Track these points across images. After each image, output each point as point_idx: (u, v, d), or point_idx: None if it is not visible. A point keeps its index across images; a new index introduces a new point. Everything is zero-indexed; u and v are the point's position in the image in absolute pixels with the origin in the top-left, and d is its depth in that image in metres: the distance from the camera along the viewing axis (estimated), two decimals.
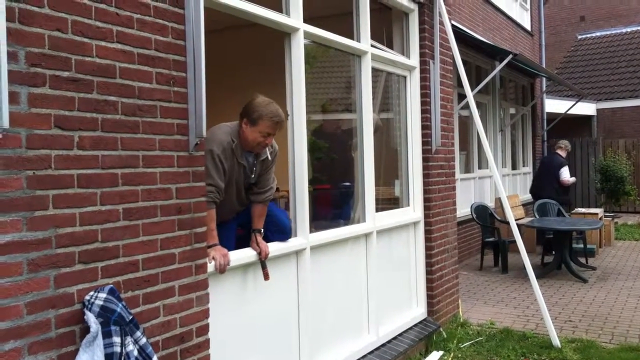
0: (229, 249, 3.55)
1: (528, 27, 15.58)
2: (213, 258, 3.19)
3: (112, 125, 2.60)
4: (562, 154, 10.86)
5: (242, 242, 3.82)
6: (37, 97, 2.29)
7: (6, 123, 2.10)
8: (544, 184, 10.79)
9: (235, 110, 3.97)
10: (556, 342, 5.52)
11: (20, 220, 2.21)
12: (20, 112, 2.23)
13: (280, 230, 3.93)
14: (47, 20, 2.34)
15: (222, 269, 3.21)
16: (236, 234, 3.94)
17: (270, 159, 3.79)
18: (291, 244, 3.95)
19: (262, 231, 3.77)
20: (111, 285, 2.50)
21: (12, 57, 2.20)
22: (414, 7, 5.66)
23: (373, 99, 5.07)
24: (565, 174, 10.60)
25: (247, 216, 3.84)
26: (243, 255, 3.53)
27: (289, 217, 4.07)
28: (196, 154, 3.05)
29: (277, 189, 4.17)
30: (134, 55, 2.73)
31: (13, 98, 2.20)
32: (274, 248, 3.81)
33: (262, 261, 3.62)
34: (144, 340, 2.49)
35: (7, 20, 2.14)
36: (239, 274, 3.52)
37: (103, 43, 2.57)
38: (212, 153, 3.45)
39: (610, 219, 12.17)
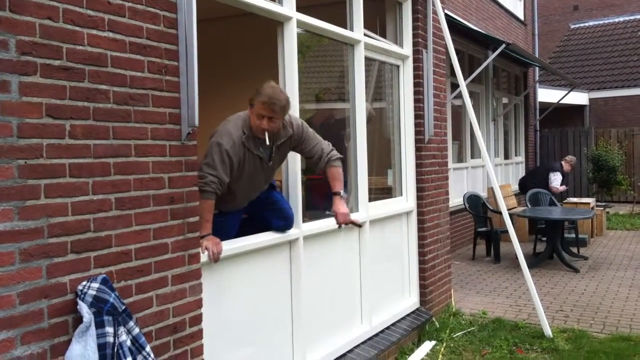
0: (232, 237, 3.57)
1: (521, 16, 15.58)
2: (206, 248, 3.18)
3: (103, 114, 2.58)
4: (565, 165, 10.87)
5: (246, 226, 3.86)
6: (28, 85, 2.27)
7: None
8: (534, 183, 10.80)
9: (229, 100, 3.96)
10: (548, 332, 5.56)
11: (11, 209, 2.20)
12: (11, 101, 2.21)
13: (283, 217, 3.93)
14: (38, 9, 2.31)
15: (215, 259, 3.21)
16: (241, 218, 3.94)
17: (290, 140, 3.74)
18: (284, 233, 3.95)
19: (341, 193, 3.90)
20: (104, 275, 2.49)
21: (2, 45, 2.18)
22: None
23: (366, 88, 5.06)
24: (555, 181, 10.57)
25: (252, 204, 3.84)
26: (237, 245, 3.52)
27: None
28: (188, 143, 3.03)
29: None
30: (126, 43, 2.71)
31: (4, 86, 2.18)
32: (268, 238, 3.81)
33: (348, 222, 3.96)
34: (137, 330, 2.49)
35: None
36: (232, 264, 3.52)
37: (94, 32, 2.55)
38: (220, 147, 3.40)
39: (602, 208, 12.23)
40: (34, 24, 2.30)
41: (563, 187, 10.82)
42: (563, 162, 10.93)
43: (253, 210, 3.90)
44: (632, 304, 6.64)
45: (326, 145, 3.91)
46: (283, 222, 3.94)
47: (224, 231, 3.53)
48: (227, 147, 3.41)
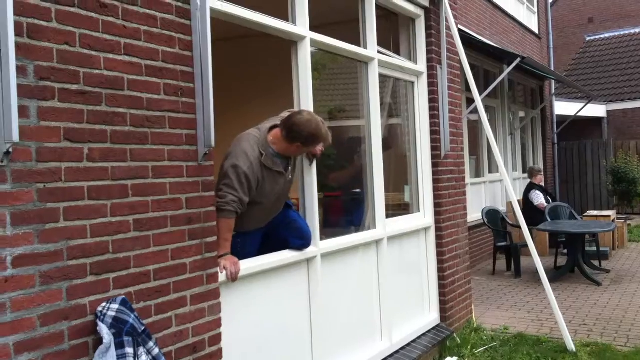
0: (252, 256, 3.57)
1: (536, 29, 15.55)
2: (224, 267, 3.18)
3: (121, 136, 2.61)
4: (535, 180, 10.69)
5: (262, 246, 3.85)
6: (46, 110, 2.31)
7: (16, 137, 2.11)
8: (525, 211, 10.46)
9: (244, 119, 3.99)
10: (571, 346, 5.48)
11: (31, 232, 2.23)
12: (30, 126, 2.25)
13: (300, 236, 3.92)
14: (56, 34, 2.36)
15: (233, 278, 3.22)
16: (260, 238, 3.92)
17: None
18: (302, 251, 3.94)
19: None
20: (123, 296, 2.50)
21: (21, 71, 2.22)
22: (420, 12, 5.67)
23: (381, 104, 5.07)
24: (537, 199, 10.31)
25: (269, 223, 3.84)
26: (255, 264, 3.53)
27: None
28: (205, 163, 3.06)
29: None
30: (142, 66, 2.75)
31: (22, 112, 2.21)
32: (286, 257, 3.81)
33: None
34: (156, 350, 2.50)
35: (16, 34, 2.16)
36: (250, 283, 3.52)
37: (111, 55, 2.59)
38: (238, 169, 3.39)
39: (623, 220, 12.08)
40: (51, 49, 2.34)
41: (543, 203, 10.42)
42: (532, 179, 10.73)
43: (270, 229, 3.89)
44: None
45: None
46: (301, 241, 3.92)
47: (245, 251, 3.55)
48: (244, 169, 3.40)
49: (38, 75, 2.29)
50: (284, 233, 3.91)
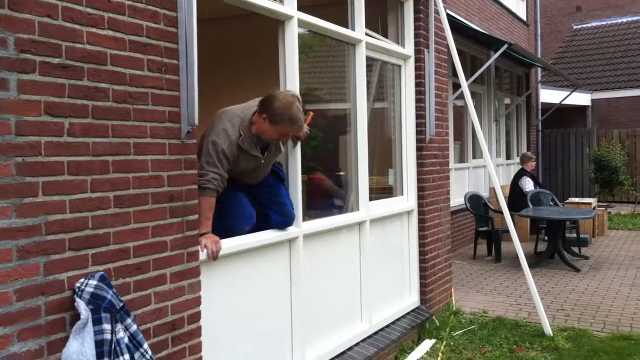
0: (247, 208, 3.67)
1: (524, 17, 15.57)
2: (205, 246, 3.18)
3: (103, 112, 2.59)
4: (526, 167, 10.67)
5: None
6: (26, 83, 2.27)
7: None
8: (512, 199, 10.45)
9: (230, 101, 3.95)
10: (548, 330, 5.55)
11: (9, 207, 2.20)
12: (10, 99, 2.22)
13: (282, 213, 3.89)
14: (37, 6, 2.32)
15: (214, 257, 3.21)
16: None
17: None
18: (284, 232, 3.95)
19: None
20: (102, 273, 2.49)
21: (1, 43, 2.18)
22: None
23: (368, 88, 5.06)
24: (527, 185, 10.31)
25: (256, 191, 3.84)
26: (236, 243, 3.53)
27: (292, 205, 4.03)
28: (188, 141, 3.04)
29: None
30: (126, 42, 2.71)
31: (2, 84, 2.18)
32: (268, 237, 3.81)
33: None
34: (134, 327, 2.50)
35: None
36: (232, 262, 3.52)
37: (94, 30, 2.55)
38: (217, 146, 3.40)
39: (604, 208, 12.22)
40: (33, 21, 2.30)
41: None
42: (524, 165, 10.77)
43: (256, 198, 3.86)
44: (633, 303, 6.63)
45: None
46: (282, 218, 3.91)
47: (236, 204, 3.64)
48: (224, 147, 3.41)
49: (18, 48, 2.25)
50: (267, 207, 3.88)
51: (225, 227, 3.57)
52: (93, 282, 2.40)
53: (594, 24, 21.80)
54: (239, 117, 3.56)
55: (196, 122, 3.02)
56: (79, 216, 2.46)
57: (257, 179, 3.84)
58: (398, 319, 5.39)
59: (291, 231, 4.00)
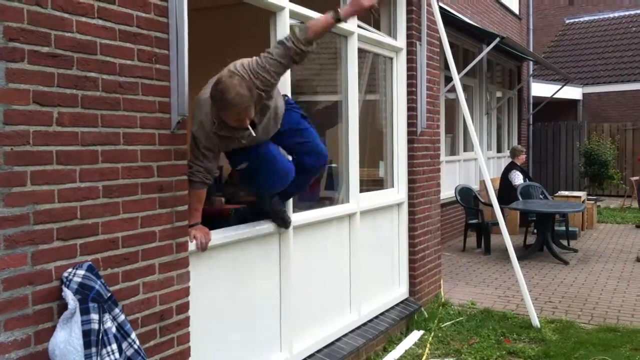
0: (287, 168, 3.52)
1: (516, 10, 15.58)
2: (194, 237, 3.17)
3: (92, 102, 2.58)
4: (517, 160, 10.67)
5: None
6: (15, 72, 2.26)
7: None
8: (502, 193, 10.50)
9: None
10: (536, 322, 5.60)
11: None
12: None
13: (312, 152, 3.63)
14: None
15: (203, 248, 3.21)
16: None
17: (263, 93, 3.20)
18: (273, 225, 3.93)
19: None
20: (90, 262, 2.49)
21: None
22: None
23: (359, 80, 5.06)
24: (516, 179, 10.34)
25: (282, 134, 3.59)
26: (226, 235, 3.53)
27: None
28: (178, 132, 3.03)
29: None
30: (116, 31, 2.70)
31: None
32: (257, 228, 3.81)
33: None
34: (122, 317, 2.50)
35: None
36: (221, 253, 3.52)
37: (84, 19, 2.54)
38: (197, 140, 3.20)
39: (593, 202, 12.30)
40: (22, 10, 2.29)
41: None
42: (514, 159, 10.80)
43: (280, 142, 3.62)
44: (620, 296, 6.69)
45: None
46: (314, 157, 3.65)
47: (271, 163, 3.47)
48: (202, 139, 3.21)
49: (7, 36, 2.24)
50: (293, 146, 3.66)
51: (259, 187, 3.50)
52: (81, 272, 2.40)
53: (585, 18, 21.85)
54: (209, 104, 3.16)
55: (186, 112, 3.01)
56: (67, 206, 2.46)
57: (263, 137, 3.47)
58: (387, 310, 5.42)
59: None
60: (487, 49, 10.06)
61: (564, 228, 9.92)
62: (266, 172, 3.55)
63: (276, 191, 3.72)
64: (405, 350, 5.06)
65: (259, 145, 3.46)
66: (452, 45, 6.58)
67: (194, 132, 3.23)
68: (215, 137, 3.22)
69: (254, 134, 3.12)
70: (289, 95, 3.96)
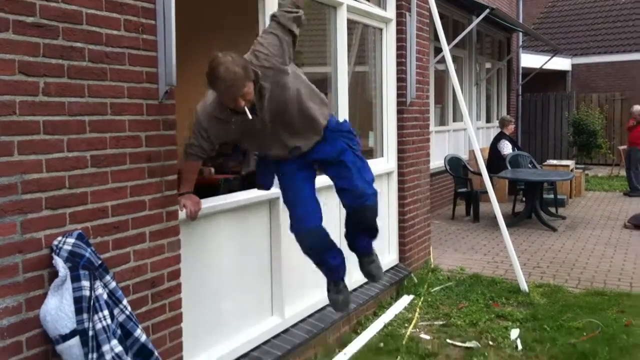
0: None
1: None
2: (184, 205, 3.20)
3: (78, 72, 2.58)
4: (506, 130, 10.73)
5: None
6: (0, 42, 2.26)
7: None
8: (491, 162, 10.53)
9: (200, 71, 3.91)
10: (524, 286, 5.69)
11: None
12: None
13: (352, 195, 3.52)
14: None
15: (192, 217, 3.23)
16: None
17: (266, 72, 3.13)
18: (263, 193, 3.96)
19: None
20: (79, 231, 2.52)
21: None
22: None
23: (349, 51, 5.04)
24: (505, 148, 10.40)
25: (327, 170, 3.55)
26: (216, 203, 3.56)
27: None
28: (166, 102, 3.04)
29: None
30: (102, 1, 2.69)
31: None
32: (247, 197, 3.84)
33: None
34: (113, 284, 2.54)
35: None
36: (212, 221, 3.56)
37: None
38: (197, 117, 3.19)
39: (581, 170, 12.38)
40: None
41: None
42: (503, 129, 10.85)
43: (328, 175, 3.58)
44: (607, 261, 6.80)
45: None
46: (353, 201, 3.53)
47: (296, 196, 3.50)
48: (202, 119, 3.18)
49: None
50: (336, 183, 3.57)
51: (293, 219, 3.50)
52: (71, 240, 2.43)
53: None
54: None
55: (174, 82, 3.01)
56: (55, 175, 2.48)
57: (277, 142, 3.35)
58: None
59: (271, 192, 4.02)
60: (476, 20, 10.04)
61: (552, 196, 10.01)
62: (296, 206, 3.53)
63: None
64: (395, 315, 5.14)
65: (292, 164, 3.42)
66: (441, 16, 6.56)
67: (197, 107, 3.21)
68: (212, 117, 3.16)
69: (250, 117, 2.98)
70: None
